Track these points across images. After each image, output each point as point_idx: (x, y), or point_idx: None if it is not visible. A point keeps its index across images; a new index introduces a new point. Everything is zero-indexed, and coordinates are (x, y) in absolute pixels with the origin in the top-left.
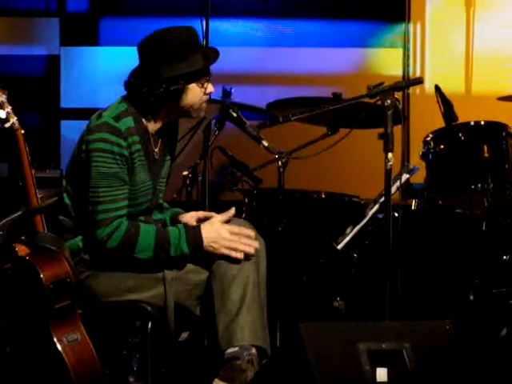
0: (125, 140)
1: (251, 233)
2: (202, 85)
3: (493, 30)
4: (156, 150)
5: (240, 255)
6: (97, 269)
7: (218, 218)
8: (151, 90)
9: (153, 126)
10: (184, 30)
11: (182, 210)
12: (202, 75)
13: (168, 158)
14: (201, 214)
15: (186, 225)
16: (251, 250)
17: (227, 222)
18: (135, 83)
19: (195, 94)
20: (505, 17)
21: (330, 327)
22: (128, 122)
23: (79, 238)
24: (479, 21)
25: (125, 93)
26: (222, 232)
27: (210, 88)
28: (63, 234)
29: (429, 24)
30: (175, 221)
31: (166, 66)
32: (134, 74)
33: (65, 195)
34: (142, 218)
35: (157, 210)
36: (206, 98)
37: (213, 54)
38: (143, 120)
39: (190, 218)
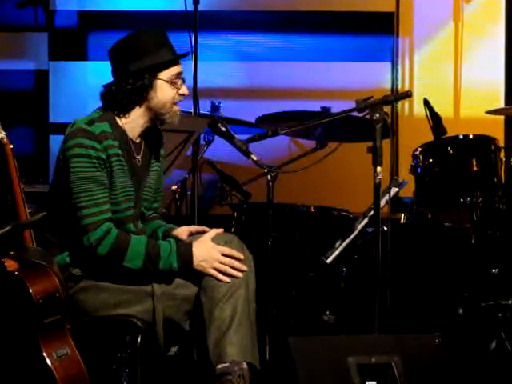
0: (100, 143)
1: (241, 255)
2: (173, 84)
3: (482, 53)
4: (138, 157)
5: (227, 279)
6: (86, 278)
7: (209, 236)
8: (119, 86)
9: (131, 131)
10: (152, 29)
11: (175, 226)
12: (166, 67)
13: (154, 168)
14: (193, 228)
15: (178, 240)
16: (239, 275)
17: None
18: (106, 85)
19: (165, 92)
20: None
21: (320, 341)
22: (103, 126)
23: (66, 253)
24: (468, 39)
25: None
26: (213, 252)
27: (183, 89)
28: (51, 249)
29: (417, 38)
30: (167, 236)
31: (132, 62)
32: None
33: (50, 210)
34: (131, 226)
35: (139, 220)
36: (178, 98)
37: (182, 53)
38: (120, 125)
39: (181, 232)
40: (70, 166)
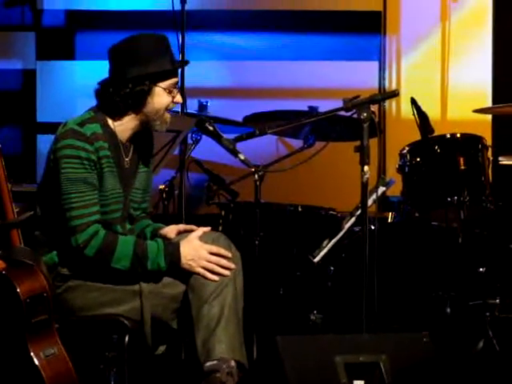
0: (91, 145)
1: (229, 253)
2: (170, 92)
3: (470, 53)
4: (127, 159)
5: (215, 278)
6: (74, 278)
7: (196, 235)
8: (117, 89)
9: (122, 134)
10: (155, 35)
11: (163, 225)
12: (168, 77)
13: (143, 169)
14: (181, 227)
15: (165, 240)
16: (227, 273)
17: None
18: (103, 84)
19: (161, 99)
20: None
21: (307, 340)
22: (94, 128)
23: (54, 252)
24: (456, 39)
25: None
26: (201, 251)
27: (178, 98)
28: (39, 248)
29: (404, 37)
30: (155, 235)
31: (133, 67)
32: (104, 79)
33: (38, 209)
34: (119, 227)
35: (127, 221)
36: (172, 106)
37: (181, 63)
38: (111, 126)
39: (169, 231)
40: (61, 167)
